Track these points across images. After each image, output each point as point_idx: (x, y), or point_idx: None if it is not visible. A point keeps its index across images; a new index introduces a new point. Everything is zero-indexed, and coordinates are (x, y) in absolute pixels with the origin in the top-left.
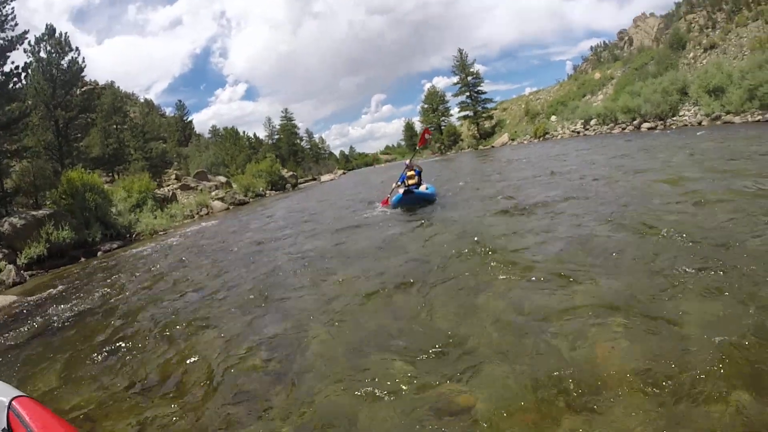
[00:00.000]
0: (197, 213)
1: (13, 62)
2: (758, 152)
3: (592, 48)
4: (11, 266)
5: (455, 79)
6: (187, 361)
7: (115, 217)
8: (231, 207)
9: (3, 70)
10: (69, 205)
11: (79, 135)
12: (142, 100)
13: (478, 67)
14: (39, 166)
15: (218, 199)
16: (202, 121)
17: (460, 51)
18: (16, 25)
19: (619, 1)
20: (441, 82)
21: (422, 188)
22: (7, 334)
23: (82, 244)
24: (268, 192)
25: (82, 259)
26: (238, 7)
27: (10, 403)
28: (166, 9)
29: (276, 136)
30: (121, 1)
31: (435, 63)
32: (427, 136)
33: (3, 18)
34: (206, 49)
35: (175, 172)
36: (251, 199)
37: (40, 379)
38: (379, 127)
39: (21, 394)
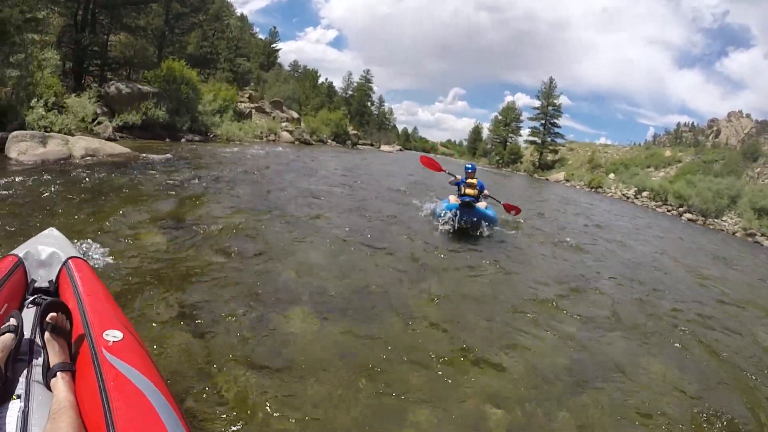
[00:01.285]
0: (266, 136)
1: None
2: None
3: (678, 124)
4: (109, 123)
5: (537, 102)
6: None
7: (200, 114)
8: (296, 142)
9: None
10: (166, 90)
11: (184, 29)
12: (238, 14)
13: (562, 100)
14: (142, 45)
15: (287, 131)
16: (285, 52)
17: (551, 79)
18: None
19: (724, 92)
20: (521, 100)
21: (481, 205)
22: (125, 177)
23: (168, 128)
24: (330, 141)
25: (167, 140)
26: None
27: (66, 260)
28: None
29: (350, 92)
30: None
31: (522, 78)
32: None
33: None
34: None
35: (251, 92)
36: (315, 142)
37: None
38: (448, 120)
39: (77, 255)
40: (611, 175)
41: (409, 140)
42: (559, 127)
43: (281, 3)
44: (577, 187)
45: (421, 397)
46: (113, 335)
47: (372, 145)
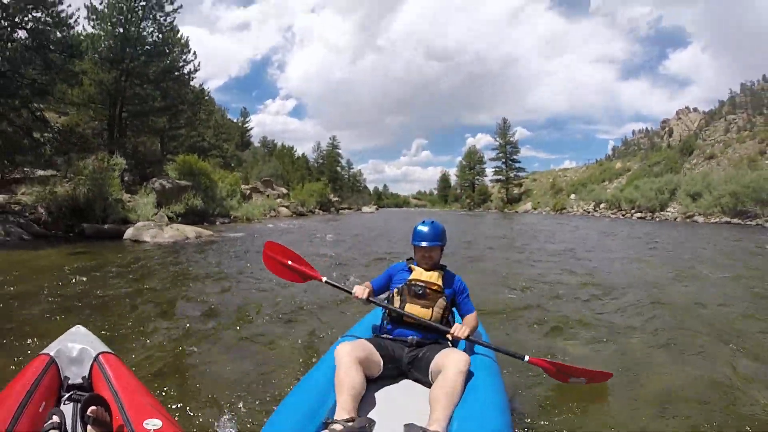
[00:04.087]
0: (268, 213)
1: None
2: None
3: (633, 132)
4: (163, 214)
5: (495, 142)
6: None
7: (221, 200)
8: (293, 215)
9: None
10: (193, 183)
11: (181, 124)
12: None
13: (520, 133)
14: (152, 142)
15: (284, 206)
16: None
17: (504, 120)
18: None
19: (672, 91)
20: (483, 139)
21: (438, 413)
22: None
23: (201, 213)
24: (317, 210)
25: (205, 224)
26: (306, 25)
27: (96, 356)
28: (240, 10)
29: (321, 161)
30: None
31: (482, 119)
32: None
33: None
34: (266, 58)
35: (244, 174)
36: (307, 213)
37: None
38: (415, 171)
39: (108, 350)
40: (572, 196)
41: (381, 198)
42: (519, 162)
43: (239, 78)
44: (543, 212)
45: None
46: (153, 424)
47: (350, 208)
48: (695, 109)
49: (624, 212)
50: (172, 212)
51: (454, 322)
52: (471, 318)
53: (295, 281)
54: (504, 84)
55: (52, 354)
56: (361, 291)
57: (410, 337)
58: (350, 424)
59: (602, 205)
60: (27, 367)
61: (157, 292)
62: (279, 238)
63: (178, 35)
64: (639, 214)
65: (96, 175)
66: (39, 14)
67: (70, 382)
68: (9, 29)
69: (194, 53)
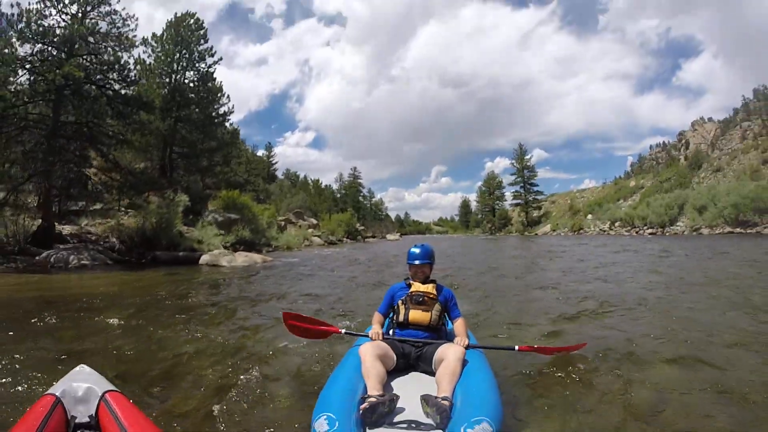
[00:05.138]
0: (303, 243)
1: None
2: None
3: (651, 147)
4: (219, 243)
5: (513, 167)
6: None
7: (263, 230)
8: (326, 244)
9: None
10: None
11: (219, 162)
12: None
13: (538, 155)
14: (195, 179)
15: (316, 235)
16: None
17: (520, 146)
18: None
19: (687, 101)
20: (502, 163)
21: (444, 385)
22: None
23: (247, 243)
24: (345, 239)
25: (253, 251)
26: (322, 59)
27: (102, 395)
28: (256, 47)
29: (343, 191)
30: (218, 32)
31: (500, 143)
32: None
33: None
34: (284, 92)
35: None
36: (337, 242)
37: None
38: (435, 198)
39: (113, 388)
40: (589, 216)
41: (403, 225)
42: (537, 185)
43: (259, 112)
44: (562, 234)
45: None
46: None
47: (374, 236)
48: (710, 119)
49: (637, 229)
50: (225, 242)
51: (446, 324)
52: (460, 323)
53: (319, 338)
54: (519, 107)
55: (57, 394)
56: (375, 334)
57: (416, 338)
58: (382, 397)
59: (617, 224)
60: (32, 408)
61: (259, 301)
62: (326, 262)
63: (216, 82)
64: (650, 230)
65: (161, 210)
66: (115, 75)
67: (77, 420)
68: (92, 87)
69: (228, 96)
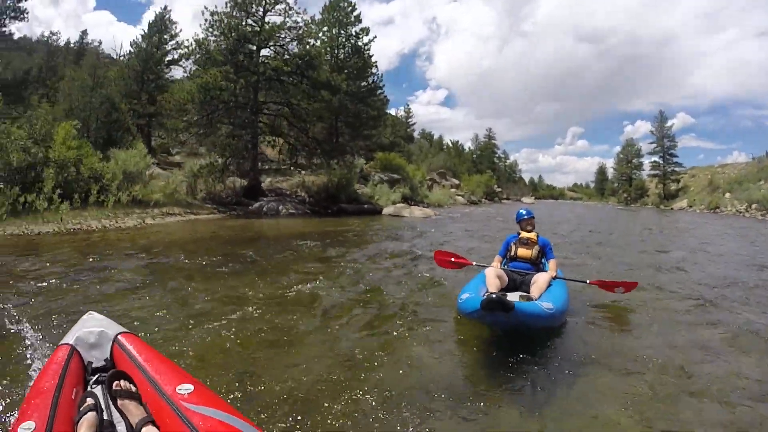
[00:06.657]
0: (449, 201)
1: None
2: None
3: None
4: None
5: (653, 135)
6: None
7: (417, 189)
8: (468, 203)
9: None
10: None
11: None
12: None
13: (682, 119)
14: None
15: (459, 195)
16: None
17: (661, 112)
18: None
19: None
20: (642, 127)
21: (534, 293)
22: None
23: (407, 199)
24: (483, 200)
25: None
26: (449, 15)
27: (115, 337)
28: (382, 6)
29: (478, 152)
30: None
31: (639, 105)
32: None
33: None
34: (413, 50)
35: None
36: (478, 201)
37: None
38: (570, 161)
39: (125, 330)
40: (727, 195)
41: (536, 189)
42: (676, 156)
43: (389, 72)
44: (698, 211)
45: None
46: (185, 388)
47: (508, 198)
48: None
49: None
50: (391, 199)
51: (544, 265)
52: (553, 263)
53: (457, 268)
54: (660, 66)
55: (71, 342)
56: (496, 264)
57: (521, 269)
58: (499, 293)
59: (754, 206)
60: (50, 359)
61: (435, 241)
62: (472, 218)
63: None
64: None
65: (342, 171)
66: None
67: (93, 365)
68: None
69: (377, 66)
